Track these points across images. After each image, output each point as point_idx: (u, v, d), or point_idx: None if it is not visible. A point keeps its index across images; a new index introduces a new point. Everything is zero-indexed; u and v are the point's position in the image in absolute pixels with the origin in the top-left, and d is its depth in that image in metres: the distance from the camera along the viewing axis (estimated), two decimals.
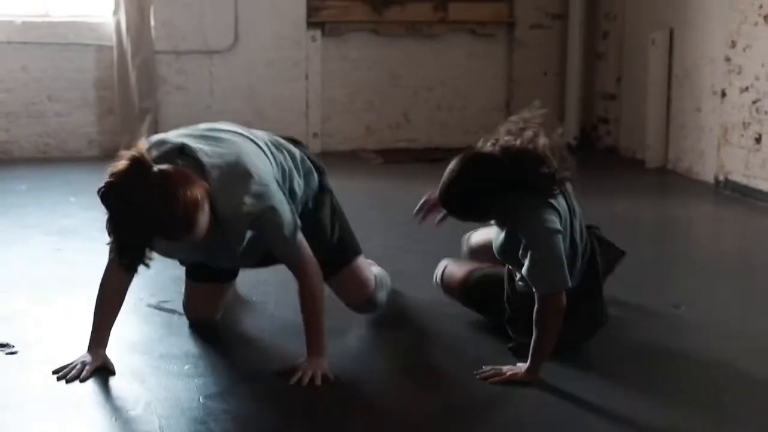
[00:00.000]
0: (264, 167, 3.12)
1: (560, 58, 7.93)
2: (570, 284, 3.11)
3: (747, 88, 5.93)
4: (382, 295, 3.71)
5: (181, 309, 3.70)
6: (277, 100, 7.45)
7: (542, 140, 3.16)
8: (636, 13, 7.34)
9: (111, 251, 3.13)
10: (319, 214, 3.45)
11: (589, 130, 7.93)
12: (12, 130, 7.14)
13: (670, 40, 6.84)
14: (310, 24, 7.45)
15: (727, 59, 6.10)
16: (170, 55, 7.27)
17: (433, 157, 7.49)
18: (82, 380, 3.05)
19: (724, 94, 6.15)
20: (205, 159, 3.01)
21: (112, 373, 3.12)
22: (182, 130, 3.25)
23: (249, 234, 3.06)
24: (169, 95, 7.32)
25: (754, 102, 5.88)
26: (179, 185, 2.85)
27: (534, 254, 3.09)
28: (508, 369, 3.14)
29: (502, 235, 3.25)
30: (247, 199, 2.98)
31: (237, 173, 3.02)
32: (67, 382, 3.05)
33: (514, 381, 3.09)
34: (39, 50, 7.10)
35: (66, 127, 7.25)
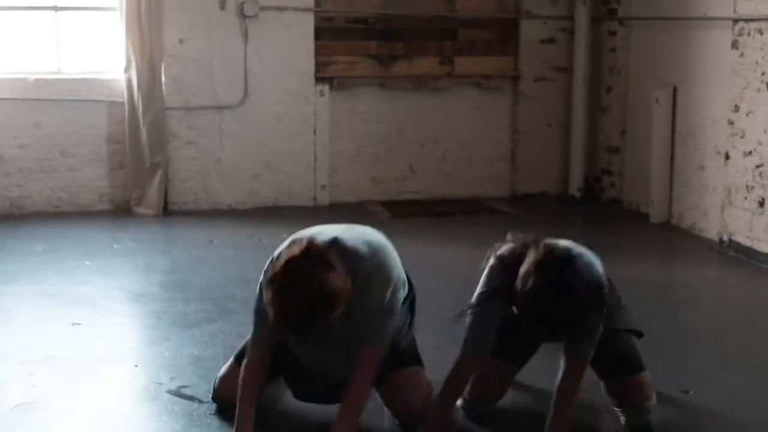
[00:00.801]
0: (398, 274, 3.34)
1: (565, 110, 8.04)
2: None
3: (750, 152, 6.03)
4: None
5: (200, 396, 3.78)
6: (286, 153, 7.56)
7: None
8: (639, 69, 7.46)
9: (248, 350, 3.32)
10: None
11: (593, 182, 8.03)
12: (25, 185, 7.25)
13: (674, 98, 6.95)
14: (319, 79, 7.56)
15: (730, 122, 6.20)
16: (181, 111, 7.38)
17: (440, 210, 7.63)
18: None
19: (727, 156, 6.25)
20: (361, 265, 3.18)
21: None
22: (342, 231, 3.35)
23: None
24: (180, 150, 7.43)
25: (757, 166, 5.97)
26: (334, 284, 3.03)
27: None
28: None
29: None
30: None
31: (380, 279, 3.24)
32: None
33: None
34: (52, 107, 7.21)
35: (78, 181, 7.35)
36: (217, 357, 4.23)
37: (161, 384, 3.95)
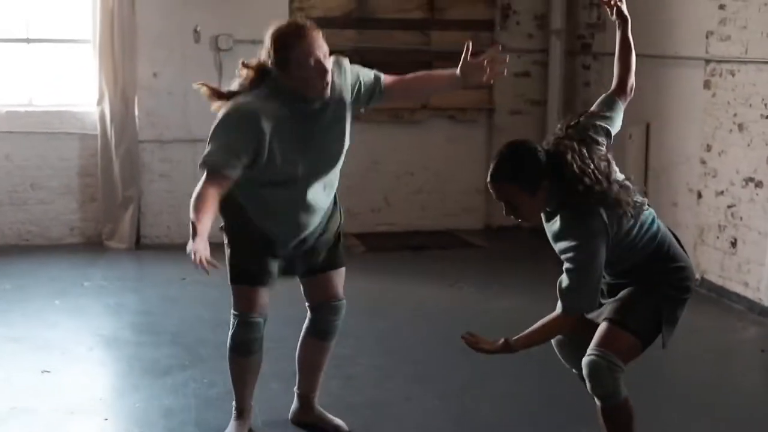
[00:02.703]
0: None
1: (539, 142, 8.02)
2: (593, 311, 3.38)
3: (722, 192, 6.06)
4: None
5: None
6: None
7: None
8: None
9: (208, 166, 3.39)
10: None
11: None
12: None
13: (647, 135, 6.97)
14: None
15: (703, 162, 6.24)
16: (154, 144, 7.34)
17: (415, 244, 7.61)
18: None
19: (700, 195, 6.28)
20: None
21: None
22: None
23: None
24: (153, 183, 7.38)
25: (729, 207, 6.01)
26: None
27: (572, 273, 3.28)
28: (489, 340, 3.40)
29: (557, 222, 3.35)
30: None
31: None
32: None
33: (489, 350, 3.39)
34: (23, 139, 7.16)
35: (49, 214, 7.29)
36: (188, 408, 4.20)
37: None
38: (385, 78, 3.68)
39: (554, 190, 3.30)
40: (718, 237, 6.11)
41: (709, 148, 6.17)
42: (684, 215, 6.59)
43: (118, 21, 7.03)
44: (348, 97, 3.56)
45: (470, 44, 3.58)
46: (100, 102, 7.13)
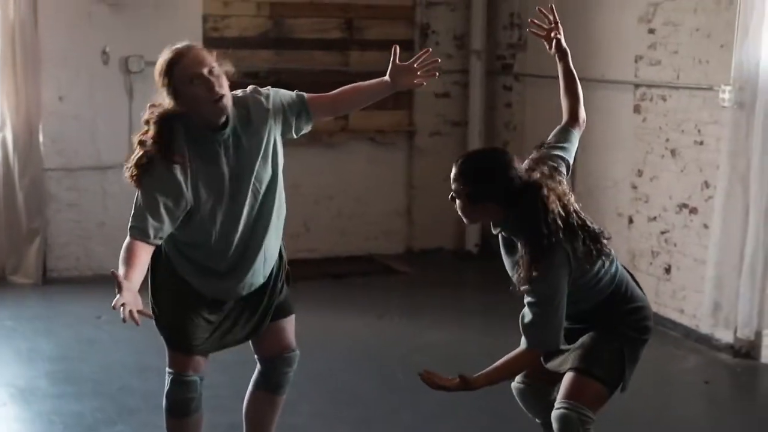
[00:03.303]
0: None
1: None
2: (558, 347, 3.25)
3: (655, 218, 6.02)
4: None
5: None
6: None
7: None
8: (536, 125, 7.39)
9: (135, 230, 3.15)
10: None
11: (490, 237, 7.91)
12: None
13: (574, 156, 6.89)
14: None
15: (634, 187, 6.19)
16: (61, 172, 6.93)
17: (336, 272, 7.38)
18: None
19: (631, 221, 6.23)
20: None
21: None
22: None
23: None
24: (60, 213, 6.96)
25: (662, 232, 5.96)
26: None
27: (534, 307, 3.18)
28: (447, 378, 3.24)
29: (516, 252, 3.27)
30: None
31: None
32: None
33: (449, 387, 3.22)
34: None
35: None
36: None
37: None
38: (310, 97, 3.46)
39: (508, 217, 3.23)
40: (651, 263, 6.06)
41: (640, 173, 6.13)
42: (614, 240, 6.49)
43: (20, 41, 6.60)
44: (269, 125, 3.33)
45: (398, 48, 3.45)
46: (1, 128, 6.69)
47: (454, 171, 3.26)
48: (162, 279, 3.40)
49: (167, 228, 3.18)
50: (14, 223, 6.78)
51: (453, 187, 3.27)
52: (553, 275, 3.18)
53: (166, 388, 3.44)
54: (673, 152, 5.86)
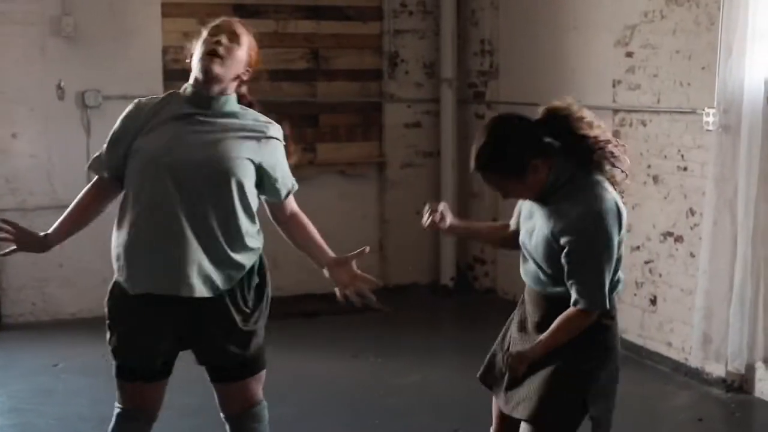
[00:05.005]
0: None
1: (434, 196, 7.65)
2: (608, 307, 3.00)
3: (638, 248, 5.79)
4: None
5: None
6: None
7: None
8: None
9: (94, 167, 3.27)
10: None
11: (466, 270, 7.68)
12: None
13: None
14: None
15: None
16: (15, 213, 6.52)
17: (307, 310, 7.09)
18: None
19: None
20: None
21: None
22: None
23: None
24: (15, 256, 6.57)
25: (646, 262, 5.73)
26: None
27: (581, 264, 2.95)
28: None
29: (539, 214, 3.03)
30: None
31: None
32: None
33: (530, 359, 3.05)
34: None
35: None
36: None
37: None
38: (286, 199, 3.58)
39: (560, 162, 2.98)
40: (635, 294, 5.82)
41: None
42: None
43: None
44: (254, 145, 3.25)
45: (367, 249, 3.43)
46: None
47: (479, 170, 3.04)
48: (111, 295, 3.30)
49: (117, 160, 3.21)
50: None
51: (492, 181, 3.05)
52: (601, 224, 2.97)
53: (111, 425, 3.30)
54: (655, 179, 5.64)
